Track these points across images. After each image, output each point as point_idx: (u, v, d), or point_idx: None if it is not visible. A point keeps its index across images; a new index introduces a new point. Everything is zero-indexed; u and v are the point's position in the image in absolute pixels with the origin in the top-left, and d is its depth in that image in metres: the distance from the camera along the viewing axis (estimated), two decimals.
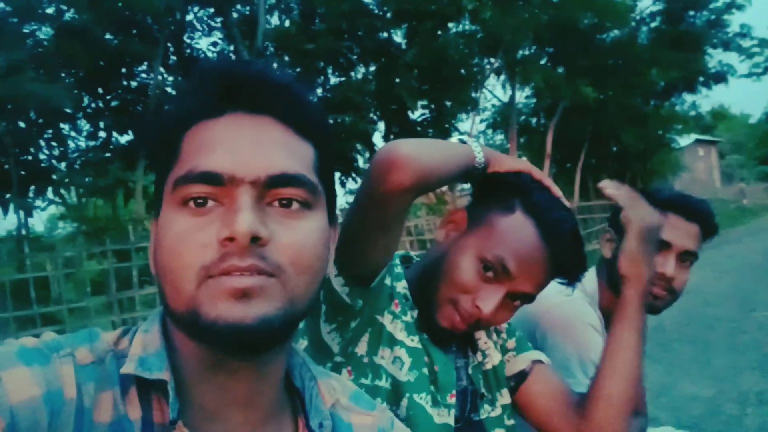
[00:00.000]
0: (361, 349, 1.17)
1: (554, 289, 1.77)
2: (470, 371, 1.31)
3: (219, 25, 14.74)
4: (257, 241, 0.62)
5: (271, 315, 0.63)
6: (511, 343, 1.39)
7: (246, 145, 0.67)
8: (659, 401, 4.36)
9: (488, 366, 1.34)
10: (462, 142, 1.18)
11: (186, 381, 0.68)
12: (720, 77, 23.97)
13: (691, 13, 23.00)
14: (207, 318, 0.62)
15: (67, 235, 15.07)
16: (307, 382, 0.81)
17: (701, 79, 23.83)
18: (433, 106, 16.97)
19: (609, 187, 1.29)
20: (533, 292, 1.18)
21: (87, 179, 11.34)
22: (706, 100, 67.43)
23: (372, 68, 16.22)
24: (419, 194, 1.05)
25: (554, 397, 1.31)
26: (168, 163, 0.69)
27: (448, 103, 17.17)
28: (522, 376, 1.35)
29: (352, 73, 15.92)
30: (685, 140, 32.79)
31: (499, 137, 27.18)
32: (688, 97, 25.79)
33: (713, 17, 22.98)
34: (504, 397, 1.34)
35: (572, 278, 1.22)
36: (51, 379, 0.60)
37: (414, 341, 1.20)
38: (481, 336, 1.35)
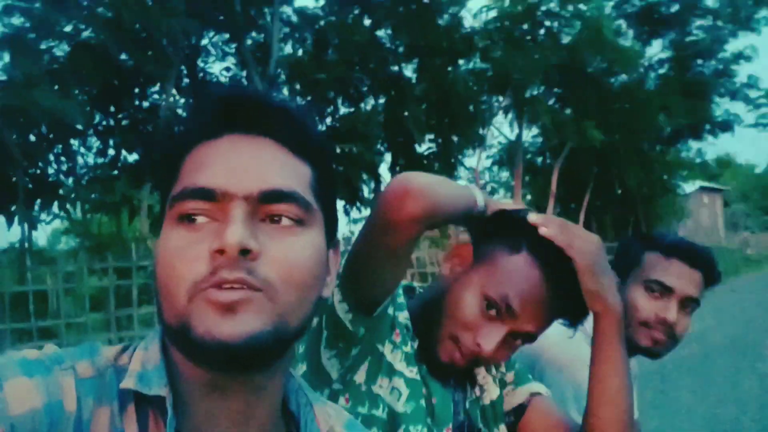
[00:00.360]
0: (360, 377, 1.16)
1: (555, 328, 1.78)
2: (468, 406, 1.30)
3: (233, 50, 14.96)
4: (247, 254, 0.63)
5: (258, 332, 0.63)
6: (509, 377, 1.38)
7: (241, 163, 0.68)
8: None
9: (486, 401, 1.33)
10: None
11: (183, 399, 0.68)
12: (726, 126, 24.15)
13: (700, 61, 23.28)
14: (196, 332, 0.62)
15: (69, 249, 15.09)
16: (303, 408, 0.81)
17: (707, 126, 23.99)
18: (440, 140, 17.09)
19: (541, 224, 1.19)
20: (535, 332, 1.17)
21: (93, 195, 11.40)
22: (711, 147, 67.79)
23: (381, 100, 16.38)
24: (428, 227, 1.06)
25: (554, 429, 1.30)
26: (169, 182, 0.71)
27: (455, 138, 17.28)
28: (521, 409, 1.34)
29: (362, 105, 16.08)
30: (690, 187, 32.88)
31: (505, 174, 27.29)
32: (694, 144, 25.99)
33: (721, 67, 23.27)
34: (510, 399, 1.34)
35: (576, 320, 1.23)
36: (52, 391, 0.60)
37: (413, 372, 1.19)
38: (480, 371, 1.34)
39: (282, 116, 0.73)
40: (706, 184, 44.27)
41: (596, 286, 1.18)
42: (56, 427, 0.59)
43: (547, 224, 1.17)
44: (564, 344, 1.64)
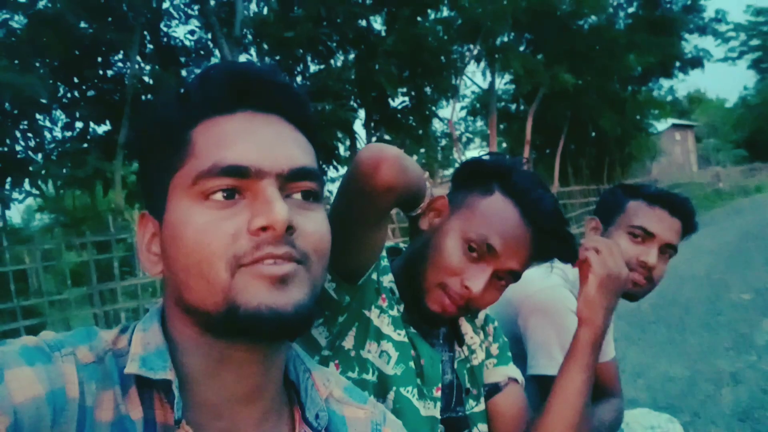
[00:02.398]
0: (348, 343, 1.18)
1: (536, 275, 1.83)
2: (456, 366, 1.33)
3: (196, 13, 14.52)
4: (290, 231, 0.66)
5: (305, 300, 0.66)
6: (494, 349, 1.42)
7: (267, 140, 0.70)
8: (636, 382, 4.45)
9: (475, 362, 1.37)
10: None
11: (189, 378, 0.69)
12: (696, 62, 24.22)
13: None
14: (248, 306, 0.64)
15: (44, 226, 14.88)
16: (302, 375, 0.83)
17: (677, 64, 24.05)
18: (413, 93, 16.92)
19: (588, 247, 1.31)
20: (519, 269, 1.21)
21: (64, 170, 11.17)
22: (682, 84, 68.36)
23: (351, 56, 16.13)
24: (399, 199, 1.07)
25: (515, 420, 1.35)
26: (175, 158, 0.70)
27: (428, 90, 17.15)
28: (495, 388, 1.38)
29: (332, 61, 15.81)
30: (662, 125, 33.11)
31: (479, 123, 27.25)
32: (665, 82, 26.12)
33: (689, 2, 23.20)
34: (488, 375, 1.39)
35: (558, 255, 1.26)
36: (54, 378, 0.61)
37: (401, 335, 1.21)
38: (468, 331, 1.37)
39: (289, 95, 0.75)
40: (677, 121, 44.69)
41: (597, 298, 1.27)
42: (60, 415, 0.60)
43: (593, 245, 1.28)
44: (547, 291, 1.70)
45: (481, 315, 1.46)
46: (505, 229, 1.18)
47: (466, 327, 1.38)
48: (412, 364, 1.21)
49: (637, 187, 1.80)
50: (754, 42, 48.12)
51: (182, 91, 0.74)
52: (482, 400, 1.35)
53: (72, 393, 0.62)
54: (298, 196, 0.71)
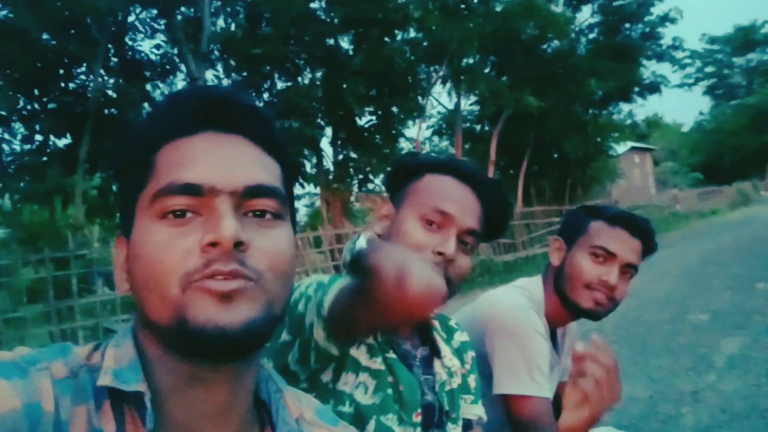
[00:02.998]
0: (327, 376, 1.18)
1: (502, 295, 1.86)
2: (437, 388, 1.33)
3: (162, 27, 14.42)
4: (239, 246, 0.66)
5: (253, 318, 0.66)
6: (472, 381, 1.45)
7: (224, 159, 0.71)
8: None
9: (454, 385, 1.38)
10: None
11: (159, 395, 0.69)
12: (654, 87, 24.96)
13: (627, 25, 23.94)
14: (195, 323, 0.64)
15: (0, 241, 14.45)
16: (273, 395, 0.83)
17: (636, 89, 24.75)
18: (380, 112, 17.06)
19: (588, 376, 1.33)
20: (477, 227, 1.29)
21: (22, 184, 10.90)
22: (641, 109, 70.32)
23: (319, 74, 16.19)
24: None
25: None
26: (141, 179, 0.71)
27: (395, 110, 17.29)
28: (468, 424, 1.42)
29: (299, 79, 15.86)
30: (621, 148, 33.88)
31: (445, 143, 27.53)
32: (625, 107, 26.80)
33: (648, 30, 23.97)
34: (464, 410, 1.40)
35: (497, 208, 1.35)
36: (30, 392, 0.61)
37: (377, 363, 1.22)
38: (446, 353, 1.39)
39: (253, 115, 0.76)
40: (636, 144, 45.82)
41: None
42: (36, 429, 0.60)
43: (598, 378, 1.29)
44: (513, 312, 1.72)
45: (458, 337, 1.48)
46: (450, 194, 1.28)
47: (444, 349, 1.39)
48: (390, 390, 1.21)
49: (599, 208, 1.84)
50: (709, 69, 49.97)
51: (149, 114, 0.77)
52: (460, 424, 1.36)
53: (47, 407, 0.61)
54: (257, 213, 0.71)
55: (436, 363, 1.37)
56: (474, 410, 1.42)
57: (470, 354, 1.48)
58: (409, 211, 1.28)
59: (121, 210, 0.76)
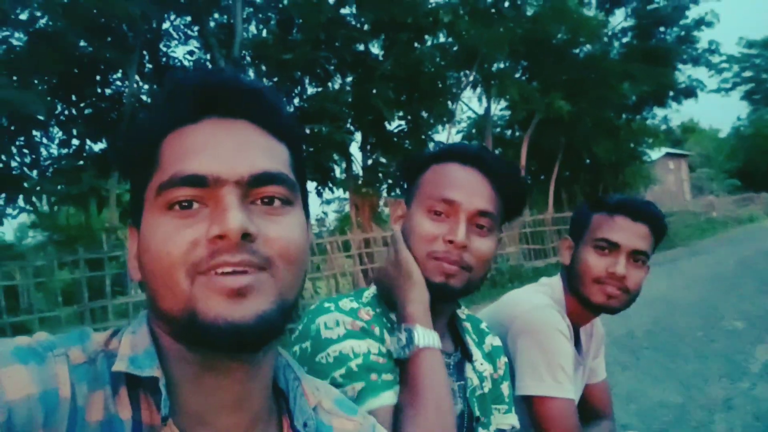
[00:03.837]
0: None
1: (524, 295, 1.83)
2: (467, 394, 1.31)
3: (196, 33, 14.66)
4: (247, 238, 0.65)
5: (268, 311, 0.65)
6: (505, 389, 1.44)
7: (227, 148, 0.69)
8: (629, 408, 4.42)
9: (485, 390, 1.36)
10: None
11: (175, 384, 0.69)
12: (689, 92, 24.45)
13: (662, 29, 23.49)
14: (206, 317, 0.64)
15: (37, 244, 14.81)
16: (291, 383, 0.83)
17: (671, 93, 24.27)
18: (409, 117, 17.05)
19: None
20: (488, 207, 1.26)
21: (59, 187, 11.16)
22: (676, 114, 69.07)
23: (349, 79, 16.26)
24: None
25: None
26: (147, 171, 0.71)
27: (425, 115, 17.26)
28: None
29: (329, 84, 15.93)
30: (655, 153, 33.33)
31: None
32: (659, 112, 26.26)
33: (683, 33, 23.49)
34: (497, 420, 1.37)
35: (509, 184, 1.30)
36: (47, 378, 0.61)
37: None
38: (477, 357, 1.38)
39: (257, 98, 0.74)
40: (671, 150, 45.04)
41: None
42: (52, 414, 0.60)
43: None
44: (535, 311, 1.69)
45: (488, 341, 1.47)
46: (453, 181, 1.26)
47: (476, 353, 1.38)
48: None
49: (600, 199, 1.79)
50: (747, 74, 48.79)
51: (153, 104, 0.76)
52: (491, 429, 1.34)
53: (64, 393, 0.62)
54: (265, 201, 0.70)
55: (468, 367, 1.35)
56: (507, 420, 1.40)
57: (503, 359, 1.47)
58: (417, 205, 1.29)
59: (131, 201, 0.76)
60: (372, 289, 1.32)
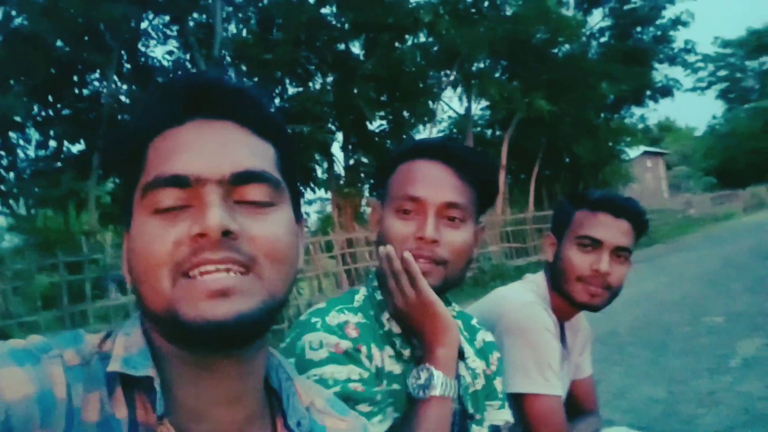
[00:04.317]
0: None
1: (510, 292, 1.84)
2: (461, 392, 1.31)
3: (175, 33, 14.53)
4: (229, 235, 0.65)
5: (250, 310, 0.65)
6: (498, 384, 1.43)
7: (209, 147, 0.70)
8: (617, 403, 4.46)
9: (478, 387, 1.36)
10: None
11: (169, 382, 0.69)
12: (666, 91, 24.80)
13: (639, 29, 23.83)
14: (186, 317, 0.64)
15: (15, 247, 14.57)
16: (284, 383, 0.83)
17: (649, 92, 24.61)
18: (391, 117, 17.09)
19: None
20: (456, 198, 1.24)
21: (37, 189, 11.00)
22: (653, 113, 70.01)
23: (330, 79, 16.24)
24: None
25: None
26: (135, 173, 0.71)
27: (406, 114, 17.31)
28: (496, 430, 1.39)
29: (311, 84, 15.91)
30: (634, 152, 33.73)
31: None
32: (637, 111, 26.61)
33: (659, 33, 23.84)
34: (491, 416, 1.38)
35: (477, 170, 1.28)
36: (42, 379, 0.61)
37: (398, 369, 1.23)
38: (470, 354, 1.38)
39: (241, 98, 0.75)
40: (649, 148, 45.64)
41: None
42: (49, 415, 0.60)
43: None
44: (522, 309, 1.70)
45: (480, 337, 1.47)
46: (416, 177, 1.25)
47: (467, 350, 1.37)
48: None
49: (581, 195, 1.80)
50: (722, 73, 49.60)
51: (138, 107, 0.76)
52: (485, 425, 1.34)
53: (60, 394, 0.62)
54: (244, 200, 0.70)
55: (460, 365, 1.33)
56: (501, 416, 1.40)
57: (495, 355, 1.46)
58: (387, 207, 1.29)
59: (122, 205, 0.76)
60: (363, 291, 1.32)
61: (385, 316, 1.26)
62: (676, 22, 23.21)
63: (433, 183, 1.24)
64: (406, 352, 1.25)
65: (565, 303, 1.77)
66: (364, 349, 1.17)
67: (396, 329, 1.25)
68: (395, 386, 1.20)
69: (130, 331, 0.72)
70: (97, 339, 0.72)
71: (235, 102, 0.74)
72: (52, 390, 0.61)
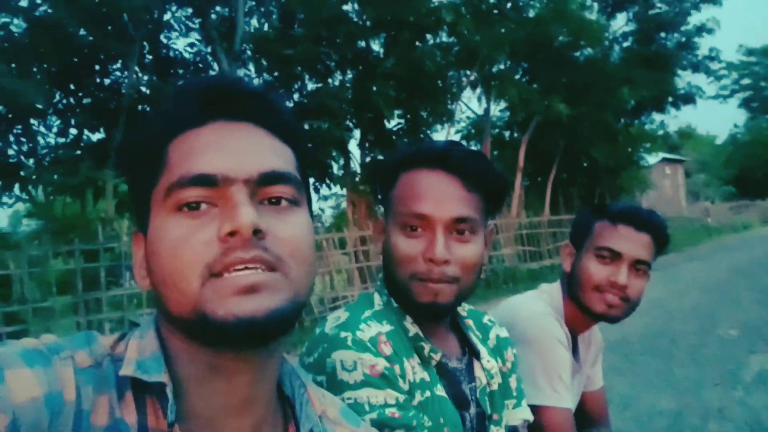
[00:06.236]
0: None
1: (523, 302, 1.83)
2: (478, 395, 1.30)
3: (197, 26, 14.58)
4: (258, 234, 0.65)
5: (280, 307, 0.65)
6: (513, 382, 1.41)
7: (235, 147, 0.70)
8: (624, 414, 4.43)
9: (494, 386, 1.35)
10: None
11: (182, 387, 0.69)
12: (688, 98, 24.53)
13: (663, 34, 23.57)
14: (215, 316, 0.64)
15: (32, 232, 14.75)
16: (297, 390, 0.83)
17: (670, 99, 24.35)
18: (409, 115, 17.03)
19: None
20: (464, 212, 1.19)
21: (56, 177, 11.10)
22: (673, 120, 69.33)
23: (349, 76, 16.23)
24: None
25: None
26: (154, 174, 0.71)
27: (424, 114, 17.26)
28: (513, 430, 1.38)
29: (330, 80, 15.91)
30: (652, 158, 33.41)
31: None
32: (657, 117, 26.36)
33: (684, 39, 23.58)
34: (508, 416, 1.37)
35: (483, 179, 1.22)
36: (52, 381, 0.61)
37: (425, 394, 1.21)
38: (484, 354, 1.36)
39: (261, 101, 0.75)
40: (668, 155, 45.12)
41: None
42: (57, 418, 0.60)
43: None
44: (534, 320, 1.69)
45: (494, 334, 1.45)
46: (422, 192, 1.19)
47: (481, 350, 1.36)
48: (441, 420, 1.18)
49: (603, 206, 1.78)
50: (745, 81, 48.96)
51: (158, 108, 0.76)
52: (503, 424, 1.33)
53: (69, 396, 0.62)
54: (273, 201, 0.70)
55: (476, 367, 1.33)
56: (518, 414, 1.39)
57: (510, 351, 1.44)
58: (392, 223, 1.23)
59: (135, 206, 0.76)
60: (378, 297, 1.29)
61: (408, 320, 1.23)
62: (701, 29, 22.96)
63: (439, 197, 1.18)
64: (437, 356, 1.22)
65: (581, 314, 1.75)
66: (397, 368, 1.14)
67: (421, 333, 1.23)
68: (427, 394, 1.18)
69: (144, 334, 0.72)
70: (110, 341, 0.72)
71: (255, 104, 0.74)
72: (62, 392, 0.61)
